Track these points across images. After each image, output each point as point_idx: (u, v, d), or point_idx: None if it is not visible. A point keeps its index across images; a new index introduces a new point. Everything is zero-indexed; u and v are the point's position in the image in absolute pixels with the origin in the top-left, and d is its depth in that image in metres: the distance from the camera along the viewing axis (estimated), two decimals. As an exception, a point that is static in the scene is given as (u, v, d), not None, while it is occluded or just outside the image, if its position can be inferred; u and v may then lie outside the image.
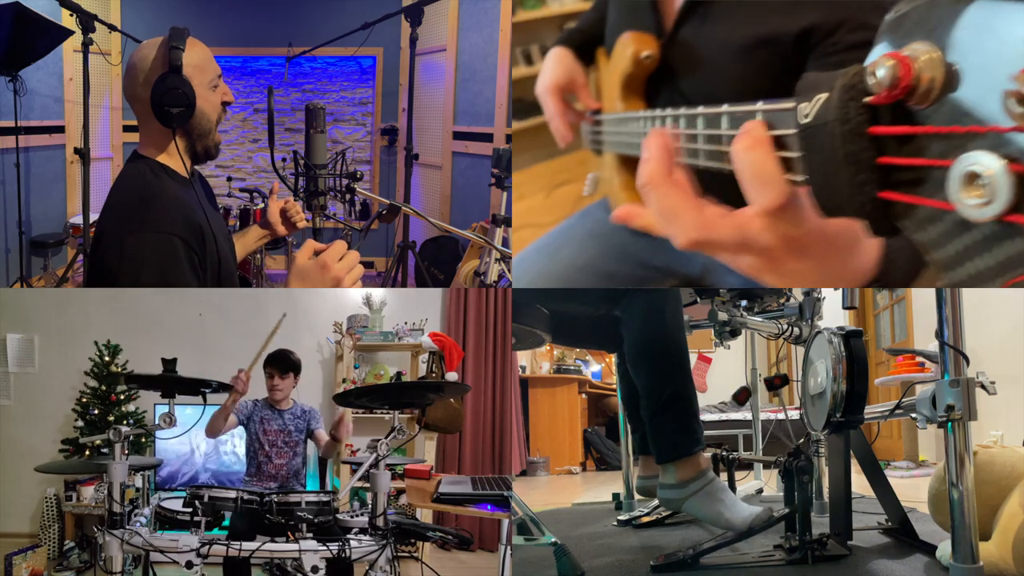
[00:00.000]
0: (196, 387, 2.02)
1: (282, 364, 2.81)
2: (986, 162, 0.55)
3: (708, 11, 1.40)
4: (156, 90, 1.65)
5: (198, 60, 1.70)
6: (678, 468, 1.98)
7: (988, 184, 0.55)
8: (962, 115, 0.58)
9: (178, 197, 1.67)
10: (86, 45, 3.78)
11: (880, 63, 0.61)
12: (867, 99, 0.63)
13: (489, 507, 2.07)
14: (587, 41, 1.73)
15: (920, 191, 0.62)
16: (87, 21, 3.74)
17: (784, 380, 2.04)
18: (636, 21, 1.51)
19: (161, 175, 1.70)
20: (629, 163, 1.67)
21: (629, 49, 1.47)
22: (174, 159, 1.73)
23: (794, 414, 2.46)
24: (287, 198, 2.13)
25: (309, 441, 2.91)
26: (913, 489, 3.24)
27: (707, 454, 2.13)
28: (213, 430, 2.75)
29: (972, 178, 0.56)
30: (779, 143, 0.75)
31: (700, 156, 0.95)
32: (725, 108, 0.86)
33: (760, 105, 0.79)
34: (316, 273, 1.62)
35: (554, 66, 1.69)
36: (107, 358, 3.68)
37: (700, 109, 0.93)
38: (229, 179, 4.87)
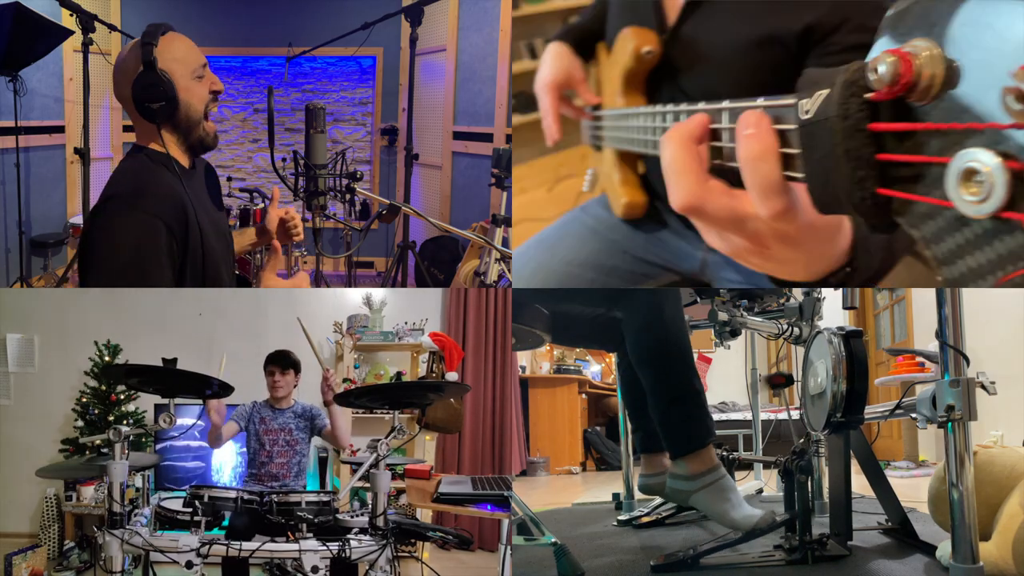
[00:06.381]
0: (196, 385, 2.02)
1: (283, 361, 2.81)
2: (983, 159, 0.55)
3: (711, 8, 1.41)
4: (135, 88, 1.66)
5: (178, 53, 1.70)
6: (689, 462, 1.99)
7: (985, 181, 0.55)
8: (961, 111, 0.58)
9: (170, 185, 1.68)
10: (86, 45, 3.77)
11: (881, 59, 0.61)
12: (868, 95, 0.63)
13: (489, 507, 2.07)
14: (587, 36, 1.73)
15: (918, 187, 0.62)
16: (87, 21, 3.74)
17: (787, 379, 2.03)
18: (637, 17, 1.52)
19: (159, 164, 1.70)
20: (628, 159, 1.67)
21: (630, 44, 1.47)
22: (173, 150, 1.73)
23: (795, 414, 2.46)
24: (289, 208, 2.10)
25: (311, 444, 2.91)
26: (913, 489, 3.24)
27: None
28: (213, 442, 2.76)
29: (969, 174, 0.56)
30: (782, 138, 0.75)
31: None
32: (726, 104, 0.86)
33: (761, 101, 0.79)
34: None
35: (552, 62, 1.69)
36: (107, 358, 3.68)
37: (701, 105, 0.93)
38: (229, 179, 4.87)
